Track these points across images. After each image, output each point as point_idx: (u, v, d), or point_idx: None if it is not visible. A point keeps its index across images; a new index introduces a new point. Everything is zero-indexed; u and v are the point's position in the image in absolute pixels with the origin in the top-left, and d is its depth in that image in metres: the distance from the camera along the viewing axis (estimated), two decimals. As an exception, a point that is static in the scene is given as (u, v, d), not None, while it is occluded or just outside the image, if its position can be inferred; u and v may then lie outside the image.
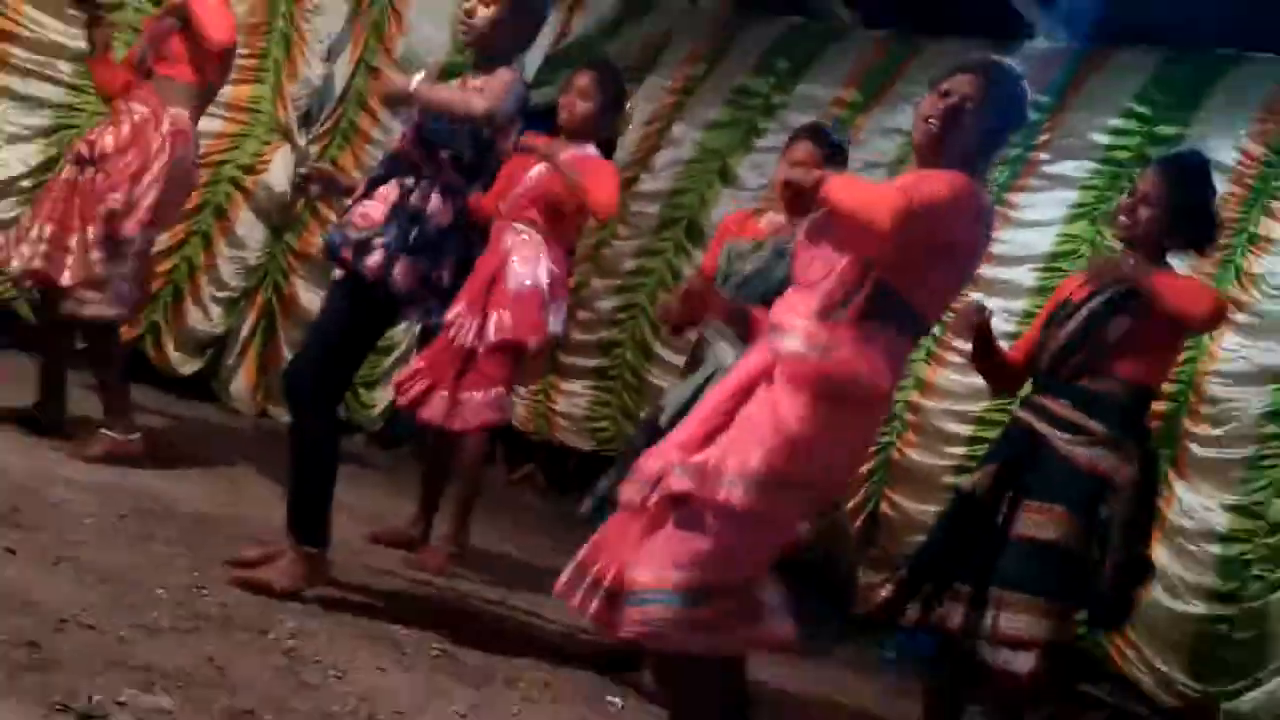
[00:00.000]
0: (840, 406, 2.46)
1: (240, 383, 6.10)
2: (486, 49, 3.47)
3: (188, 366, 5.99)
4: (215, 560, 3.35)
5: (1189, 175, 3.40)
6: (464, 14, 3.49)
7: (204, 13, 4.11)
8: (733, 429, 2.46)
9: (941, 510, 3.41)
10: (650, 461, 2.50)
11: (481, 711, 2.93)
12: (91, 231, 4.01)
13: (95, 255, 4.01)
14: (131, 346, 5.74)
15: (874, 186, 2.56)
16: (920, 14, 6.16)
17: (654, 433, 3.43)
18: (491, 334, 4.15)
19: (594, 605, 2.44)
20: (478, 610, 3.88)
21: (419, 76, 3.37)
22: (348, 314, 3.36)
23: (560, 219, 4.33)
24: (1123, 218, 3.39)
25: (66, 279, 4.00)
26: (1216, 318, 3.43)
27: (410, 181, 3.36)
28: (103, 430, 4.12)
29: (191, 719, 2.31)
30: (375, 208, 3.34)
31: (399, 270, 3.28)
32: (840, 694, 4.40)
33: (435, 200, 3.35)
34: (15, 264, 4.07)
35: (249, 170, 5.96)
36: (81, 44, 5.31)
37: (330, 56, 6.04)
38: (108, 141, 4.09)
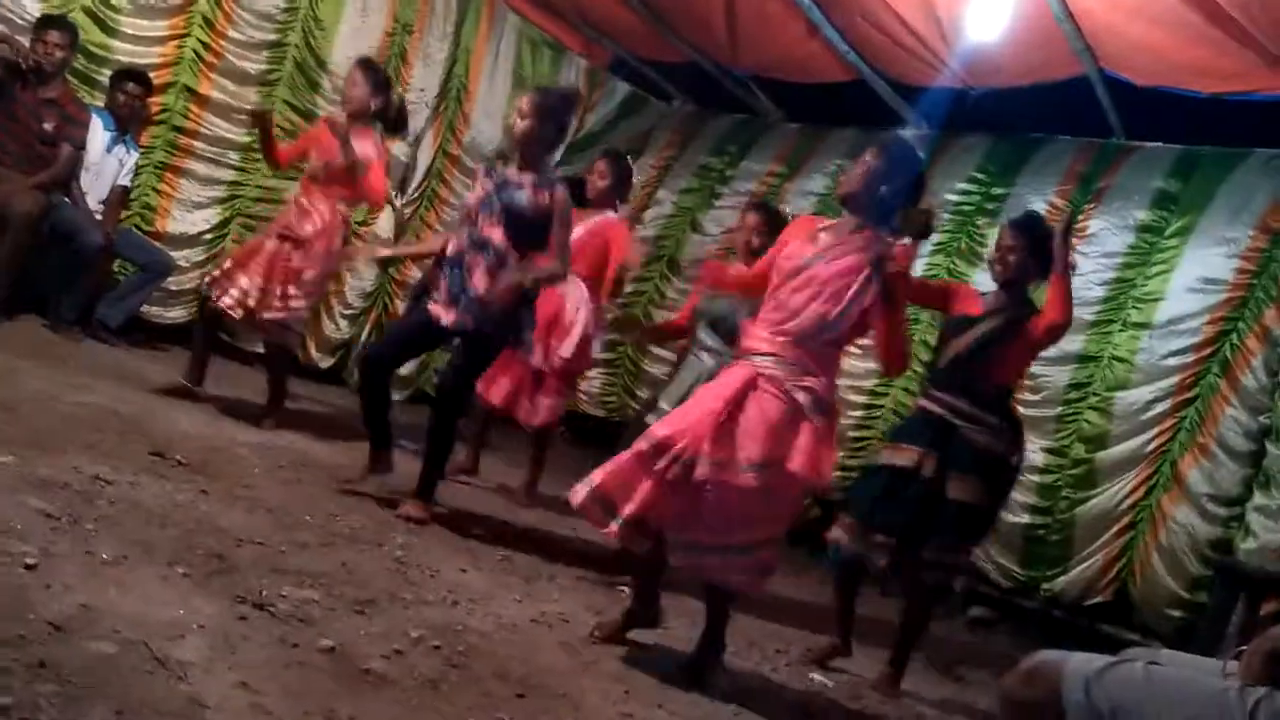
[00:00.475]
0: (812, 408, 2.49)
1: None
2: (525, 149, 3.45)
3: (325, 362, 5.94)
4: (349, 499, 3.35)
5: (1037, 225, 3.31)
6: (510, 126, 3.52)
7: (374, 182, 4.08)
8: (738, 428, 2.45)
9: (865, 470, 3.31)
10: (662, 430, 2.48)
11: (532, 597, 2.94)
12: (292, 289, 4.02)
13: (293, 305, 4.04)
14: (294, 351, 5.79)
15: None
16: (826, 110, 6.16)
17: (653, 409, 3.50)
18: (557, 360, 4.19)
19: (613, 526, 2.46)
20: (528, 527, 3.89)
21: (518, 272, 3.34)
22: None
23: (597, 267, 4.30)
24: (998, 266, 3.26)
25: (272, 315, 4.01)
26: (1060, 337, 3.30)
27: (505, 264, 3.37)
28: (273, 411, 4.15)
29: (331, 605, 2.31)
30: (506, 291, 3.35)
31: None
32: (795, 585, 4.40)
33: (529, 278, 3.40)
34: (228, 299, 4.00)
35: (363, 224, 5.93)
36: (246, 138, 5.35)
37: (415, 144, 5.99)
38: (306, 230, 4.05)
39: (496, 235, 3.39)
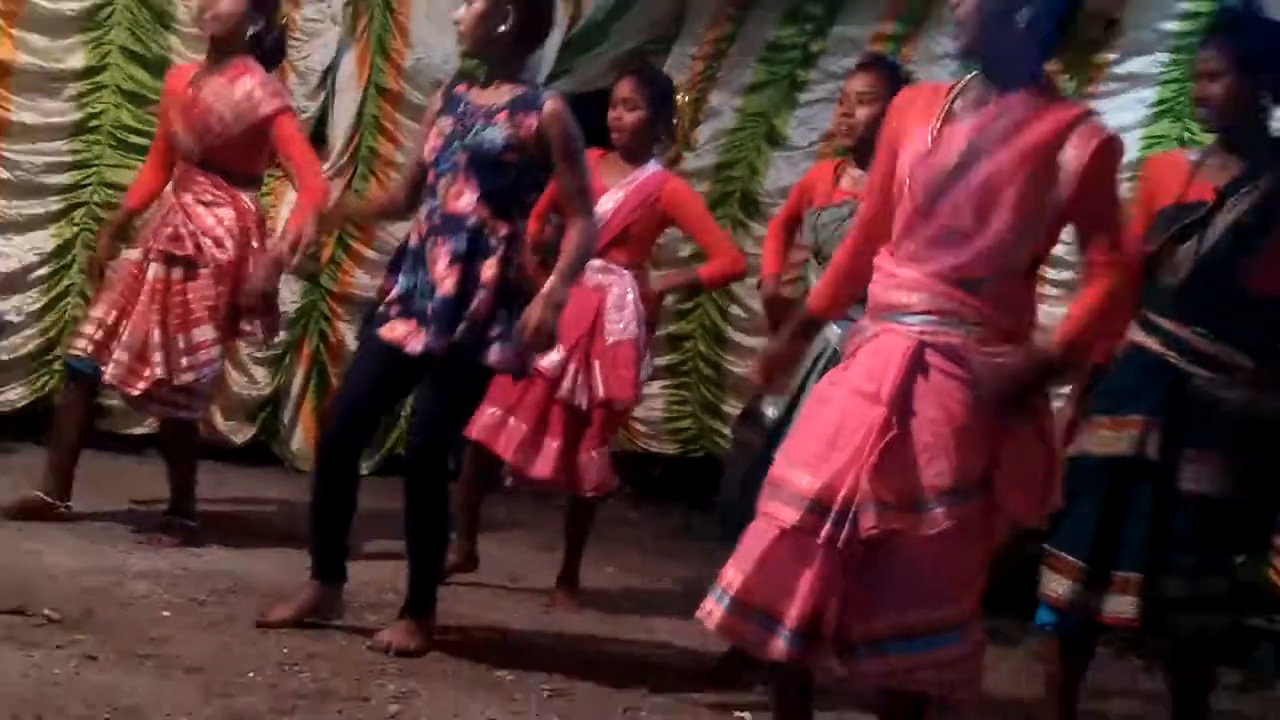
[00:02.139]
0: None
1: (300, 441, 6.16)
2: (484, 48, 3.47)
3: (240, 435, 6.06)
4: (302, 634, 3.41)
5: (1253, 27, 3.20)
6: (455, 21, 3.51)
7: (300, 153, 4.22)
8: (912, 440, 2.44)
9: (1072, 469, 3.28)
10: (790, 471, 2.48)
11: (608, 750, 2.97)
12: (197, 334, 4.11)
13: (203, 358, 4.15)
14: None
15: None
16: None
17: (760, 422, 3.43)
18: (600, 392, 4.24)
19: (781, 645, 2.46)
20: (584, 642, 3.91)
21: (551, 286, 3.39)
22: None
23: (644, 249, 4.41)
24: (1200, 100, 3.22)
25: (180, 380, 4.12)
26: None
27: (498, 249, 3.40)
28: (172, 517, 4.26)
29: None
30: (482, 299, 3.37)
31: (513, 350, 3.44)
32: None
33: (526, 265, 3.47)
34: (115, 369, 4.11)
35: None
36: (76, 117, 5.47)
37: (326, 82, 6.06)
38: (198, 244, 4.13)
39: (466, 202, 3.41)
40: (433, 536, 3.54)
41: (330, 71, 6.06)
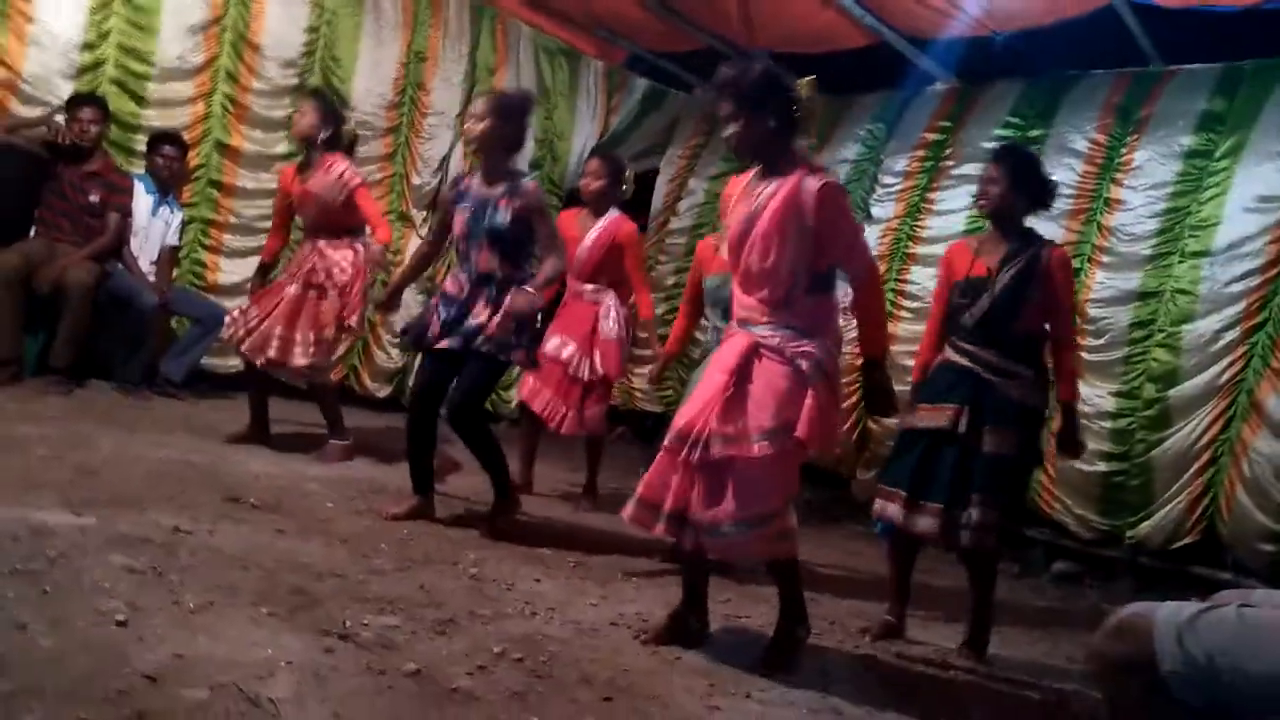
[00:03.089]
0: (811, 369, 2.48)
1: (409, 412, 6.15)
2: (486, 152, 3.42)
3: (381, 391, 6.05)
4: (415, 523, 3.42)
5: (1019, 154, 3.20)
6: (465, 131, 3.53)
7: (373, 211, 4.15)
8: (746, 400, 2.46)
9: (901, 436, 3.22)
10: (681, 419, 2.50)
11: (609, 600, 2.96)
12: (314, 335, 4.09)
13: (318, 350, 4.11)
14: (341, 383, 5.87)
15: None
16: (850, 78, 6.05)
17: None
18: (599, 369, 4.23)
19: (660, 526, 2.50)
20: (597, 530, 3.91)
21: (532, 294, 3.34)
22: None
23: (619, 272, 4.34)
24: (981, 200, 3.18)
25: (296, 363, 4.09)
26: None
27: (511, 290, 3.38)
28: (331, 441, 4.23)
29: (412, 629, 2.36)
30: (502, 319, 3.35)
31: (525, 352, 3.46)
32: (852, 554, 4.37)
33: (536, 299, 3.40)
34: (248, 344, 4.09)
35: (397, 254, 6.01)
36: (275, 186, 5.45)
37: (443, 166, 6.05)
38: (333, 277, 4.11)
39: (490, 262, 3.41)
40: (487, 452, 3.50)
41: (445, 160, 6.04)
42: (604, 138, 6.56)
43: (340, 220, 4.18)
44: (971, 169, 5.52)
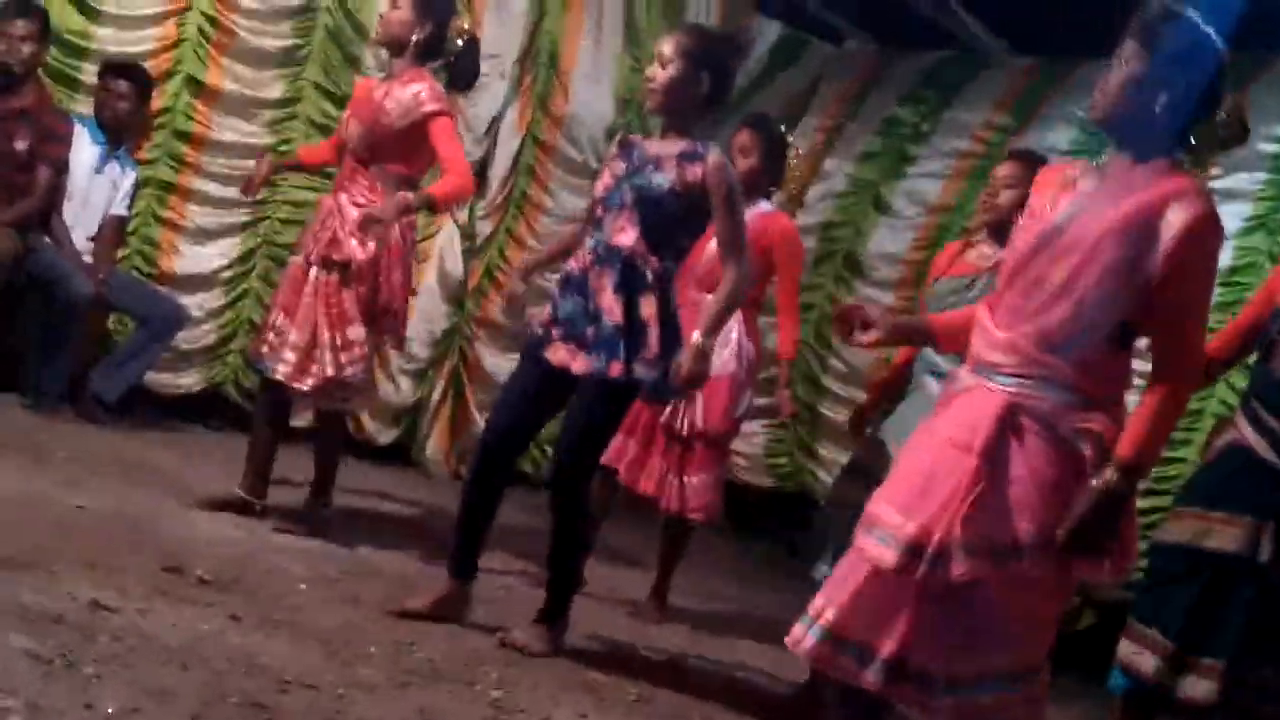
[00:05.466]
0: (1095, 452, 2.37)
1: (434, 448, 6.24)
2: (668, 108, 3.45)
3: (385, 436, 6.13)
4: (443, 618, 3.43)
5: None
6: (646, 79, 3.50)
7: (452, 150, 4.00)
8: (1004, 495, 2.35)
9: (1165, 554, 3.12)
10: (886, 511, 2.39)
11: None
12: (351, 332, 4.00)
13: (354, 355, 4.01)
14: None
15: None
16: (1071, 37, 5.98)
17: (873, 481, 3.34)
18: (700, 423, 4.25)
19: (872, 676, 2.37)
20: (670, 656, 3.87)
21: (698, 339, 3.33)
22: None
23: (755, 290, 4.34)
24: None
25: (330, 374, 3.99)
26: None
27: (654, 284, 3.39)
28: (315, 503, 4.17)
29: (409, 771, 2.35)
30: (653, 335, 3.36)
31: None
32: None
33: (674, 300, 3.44)
34: (284, 367, 4.01)
35: (421, 242, 6.08)
36: (268, 140, 5.61)
37: (492, 130, 6.14)
38: (357, 248, 3.98)
39: (628, 237, 3.40)
40: (574, 551, 3.52)
41: (495, 121, 6.16)
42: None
43: (392, 159, 4.02)
44: (1241, 180, 5.35)
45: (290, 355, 4.01)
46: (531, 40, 6.17)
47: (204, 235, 5.65)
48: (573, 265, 3.50)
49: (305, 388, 4.03)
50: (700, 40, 3.46)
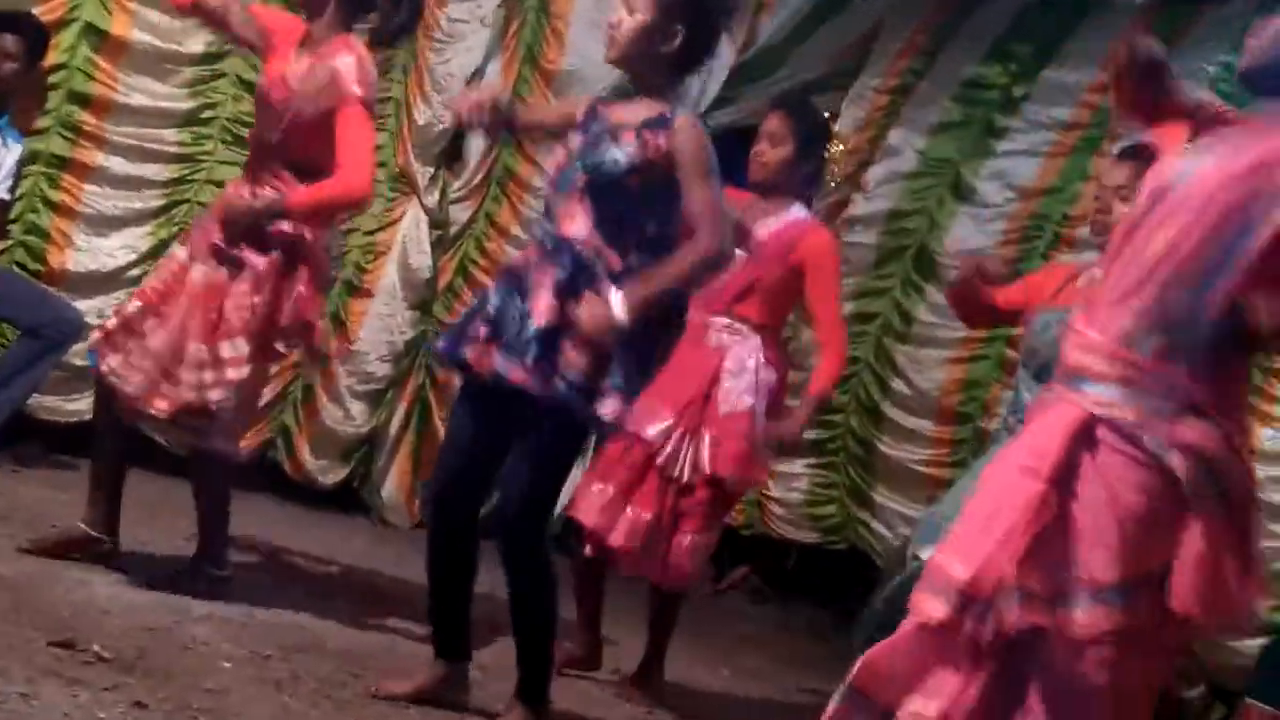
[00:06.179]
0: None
1: (392, 489, 6.28)
2: (634, 62, 3.49)
3: (329, 475, 6.17)
4: (376, 703, 3.44)
5: None
6: (609, 24, 3.50)
7: (354, 140, 3.97)
8: (1071, 528, 2.38)
9: None
10: (952, 562, 2.42)
11: None
12: (225, 349, 3.95)
13: (224, 378, 3.95)
14: (259, 455, 5.96)
15: None
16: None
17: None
18: (705, 466, 4.24)
19: None
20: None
21: (616, 303, 3.31)
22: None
23: (776, 309, 4.41)
24: None
25: (181, 400, 3.92)
26: None
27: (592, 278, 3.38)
28: (200, 563, 4.13)
29: None
30: (581, 345, 3.34)
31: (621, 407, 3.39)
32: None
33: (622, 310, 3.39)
34: (134, 379, 3.95)
35: (378, 232, 6.17)
36: (188, 105, 5.68)
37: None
38: (250, 252, 3.97)
39: (579, 228, 3.42)
40: (539, 615, 3.52)
41: (474, 79, 6.18)
42: (748, 54, 6.59)
43: (308, 151, 4.03)
44: None
45: (146, 364, 3.95)
46: (516, -20, 6.18)
47: (106, 224, 5.70)
48: (517, 258, 3.55)
49: (155, 411, 3.95)
50: None
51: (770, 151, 4.37)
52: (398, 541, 5.84)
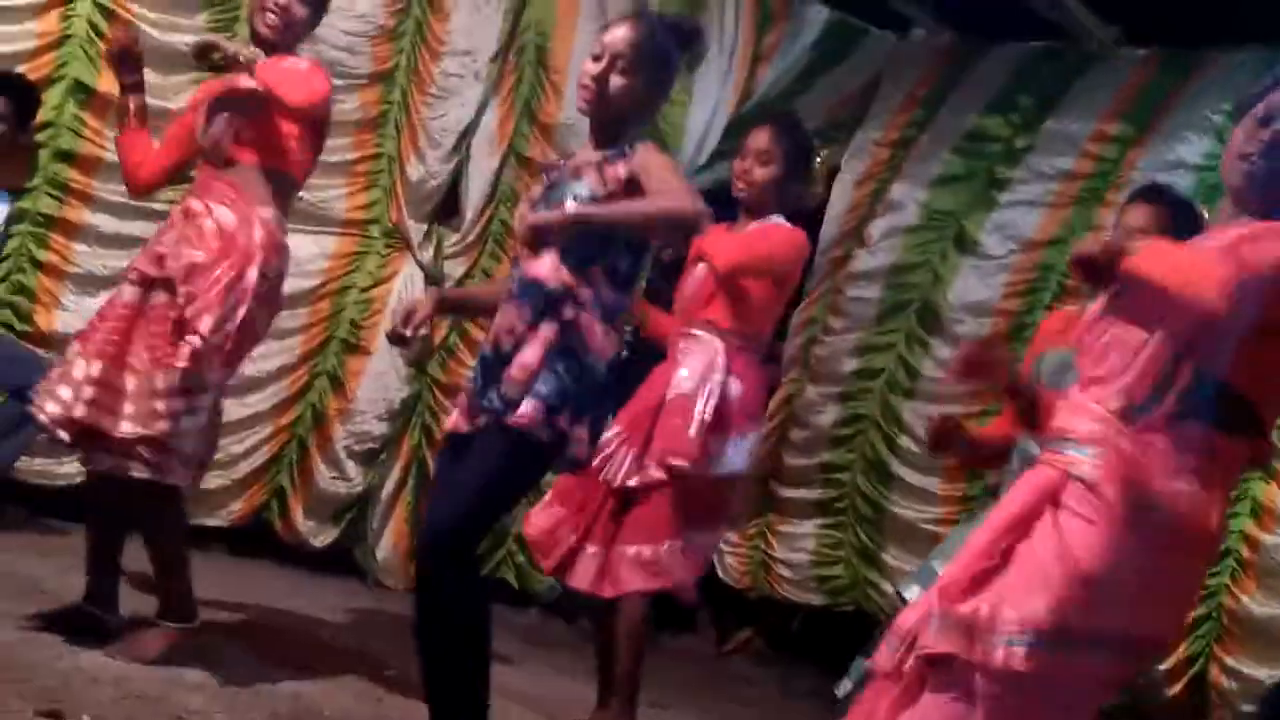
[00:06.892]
0: (1153, 538, 2.41)
1: (388, 551, 6.24)
2: (600, 110, 3.50)
3: (322, 537, 6.14)
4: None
5: None
6: (583, 72, 3.55)
7: (279, 81, 3.86)
8: (1010, 569, 2.43)
9: None
10: (908, 615, 2.53)
11: None
12: (161, 376, 3.84)
13: (162, 405, 3.84)
14: (254, 516, 6.00)
15: (1190, 253, 2.48)
16: (1199, 23, 6.03)
17: None
18: (652, 470, 4.13)
19: None
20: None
21: (570, 203, 3.35)
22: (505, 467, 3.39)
23: (748, 313, 4.33)
24: None
25: (124, 429, 3.82)
26: None
27: (567, 313, 3.36)
28: (161, 621, 4.02)
29: None
30: (531, 353, 3.32)
31: (564, 425, 3.32)
32: None
33: (598, 332, 3.39)
34: (51, 408, 3.87)
35: (373, 288, 6.18)
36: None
37: (461, 146, 6.19)
38: (188, 255, 3.88)
39: (544, 265, 3.39)
40: (453, 659, 3.34)
41: (468, 133, 6.23)
42: (748, 105, 6.62)
43: (251, 152, 4.00)
44: None
45: (77, 392, 3.83)
46: (514, 32, 6.23)
47: (94, 283, 5.67)
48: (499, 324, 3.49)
49: (119, 434, 3.83)
50: (643, 29, 3.50)
51: (757, 170, 4.34)
52: (394, 604, 5.77)
